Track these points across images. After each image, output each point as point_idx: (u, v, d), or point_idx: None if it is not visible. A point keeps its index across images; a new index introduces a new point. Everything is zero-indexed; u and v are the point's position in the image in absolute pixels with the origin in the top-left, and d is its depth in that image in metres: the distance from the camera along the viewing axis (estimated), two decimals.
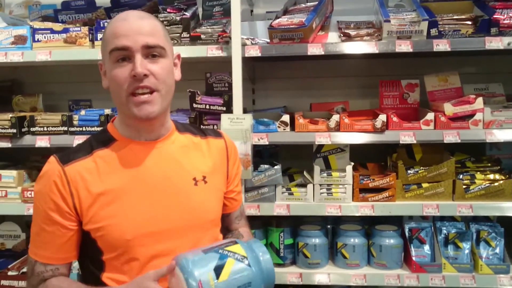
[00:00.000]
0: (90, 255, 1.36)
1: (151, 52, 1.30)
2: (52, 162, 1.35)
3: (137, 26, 1.29)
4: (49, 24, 2.29)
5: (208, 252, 1.26)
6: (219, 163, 1.52)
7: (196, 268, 1.20)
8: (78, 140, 2.18)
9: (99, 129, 2.20)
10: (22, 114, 2.34)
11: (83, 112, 2.27)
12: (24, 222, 2.67)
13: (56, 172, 1.32)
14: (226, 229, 1.63)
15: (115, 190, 1.33)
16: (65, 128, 2.24)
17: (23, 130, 2.25)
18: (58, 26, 2.25)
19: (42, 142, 2.21)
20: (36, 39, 2.22)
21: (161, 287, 1.22)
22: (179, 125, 1.52)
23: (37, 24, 2.27)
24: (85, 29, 2.21)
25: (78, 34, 2.21)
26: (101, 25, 2.21)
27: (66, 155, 1.36)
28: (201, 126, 2.18)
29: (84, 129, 2.22)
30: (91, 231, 1.32)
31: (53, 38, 2.22)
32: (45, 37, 2.22)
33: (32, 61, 2.21)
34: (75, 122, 2.23)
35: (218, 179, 1.50)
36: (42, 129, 2.24)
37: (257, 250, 1.30)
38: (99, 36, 2.21)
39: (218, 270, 1.21)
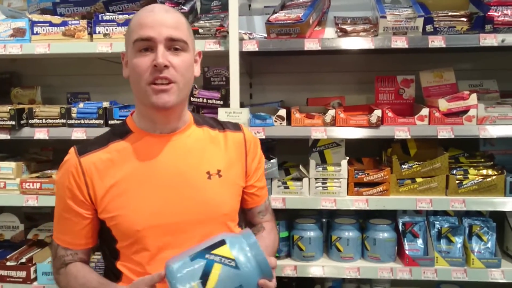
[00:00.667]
0: (107, 242, 1.42)
1: (174, 45, 1.33)
2: (71, 153, 1.41)
3: (163, 19, 1.32)
4: (47, 17, 2.29)
5: (195, 258, 1.22)
6: (237, 157, 1.51)
7: (182, 280, 1.17)
8: (76, 132, 2.20)
9: (97, 122, 2.22)
10: (21, 106, 2.35)
11: (81, 105, 2.29)
12: (23, 213, 2.69)
13: (73, 163, 1.38)
14: (249, 223, 1.64)
15: (127, 182, 1.36)
16: (64, 121, 2.25)
17: (22, 122, 2.26)
18: (56, 19, 2.25)
19: (40, 134, 2.23)
20: (35, 32, 2.23)
21: None
22: (198, 118, 1.53)
23: (36, 17, 2.28)
24: (83, 22, 2.22)
25: (77, 27, 2.22)
26: (100, 18, 2.22)
27: (84, 146, 1.41)
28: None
29: (82, 121, 2.23)
30: (105, 220, 1.37)
31: (52, 31, 2.23)
32: (43, 30, 2.23)
33: (31, 54, 2.22)
34: (74, 115, 2.24)
35: (234, 173, 1.49)
36: (40, 121, 2.26)
37: (245, 246, 1.24)
38: (98, 29, 2.22)
39: (204, 278, 1.17)
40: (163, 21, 1.32)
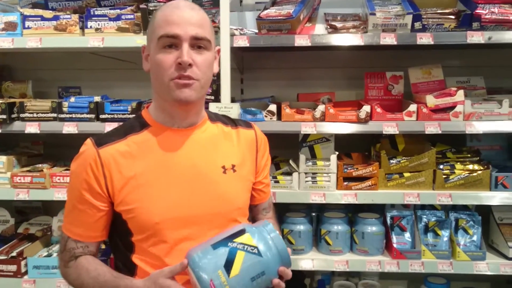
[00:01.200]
0: (121, 236, 1.42)
1: (198, 43, 1.35)
2: (88, 144, 1.40)
3: (189, 16, 1.34)
4: (39, 11, 2.29)
5: (218, 246, 1.25)
6: (248, 153, 1.55)
7: (205, 268, 1.20)
8: (67, 127, 2.21)
9: (89, 116, 2.23)
10: (12, 100, 2.35)
11: (72, 99, 2.29)
12: (13, 207, 2.69)
13: (91, 154, 1.37)
14: (253, 219, 1.66)
15: (146, 174, 1.38)
16: (55, 115, 2.26)
17: (13, 116, 2.26)
18: (48, 13, 2.26)
19: (32, 128, 2.23)
20: (26, 26, 2.23)
21: (176, 283, 1.26)
22: (212, 114, 1.56)
23: (28, 11, 2.28)
24: (75, 17, 2.23)
25: (69, 22, 2.22)
26: (92, 13, 2.23)
27: (101, 138, 1.42)
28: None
29: (73, 115, 2.24)
30: (122, 212, 1.38)
31: (44, 25, 2.23)
32: (35, 24, 2.23)
33: (22, 48, 2.22)
34: (65, 109, 2.25)
35: (247, 169, 1.53)
36: (32, 115, 2.26)
37: (266, 234, 1.29)
38: (89, 24, 2.22)
39: (228, 265, 1.21)
40: (190, 19, 1.34)
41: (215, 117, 1.56)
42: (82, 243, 1.42)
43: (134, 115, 1.55)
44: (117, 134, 1.44)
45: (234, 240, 1.27)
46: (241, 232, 1.29)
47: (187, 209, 1.39)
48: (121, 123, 1.52)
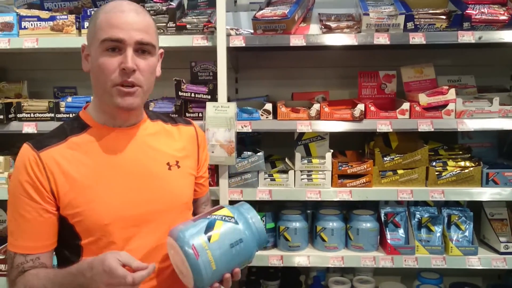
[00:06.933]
0: (67, 241, 1.37)
1: (142, 48, 1.34)
2: (25, 149, 1.36)
3: (134, 21, 1.32)
4: (35, 12, 2.30)
5: (197, 220, 1.35)
6: (190, 148, 1.58)
7: (188, 235, 1.28)
8: None
9: None
10: (8, 100, 2.36)
11: (69, 99, 2.30)
12: None
13: (31, 158, 1.33)
14: (193, 214, 1.66)
15: (91, 176, 1.35)
16: (52, 115, 2.27)
17: (10, 116, 2.27)
18: (44, 14, 2.26)
19: (29, 128, 2.24)
20: (23, 26, 2.23)
21: (121, 268, 1.18)
22: (151, 113, 1.57)
23: (24, 12, 2.28)
24: (72, 17, 2.24)
25: (65, 22, 2.23)
26: (88, 13, 2.24)
27: (39, 141, 1.37)
28: (186, 114, 2.25)
29: (70, 115, 2.25)
30: (68, 216, 1.34)
31: (40, 25, 2.23)
32: (32, 25, 2.23)
33: (19, 48, 2.23)
34: (62, 109, 2.26)
35: (189, 164, 1.55)
36: (29, 115, 2.27)
37: (243, 210, 1.40)
38: (86, 24, 2.23)
39: (208, 232, 1.30)
40: (134, 23, 1.32)
41: (154, 116, 1.56)
42: (32, 256, 1.34)
43: (72, 116, 1.52)
44: (56, 136, 1.39)
45: (212, 214, 1.37)
46: (219, 208, 1.41)
47: (136, 208, 1.39)
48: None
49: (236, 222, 1.34)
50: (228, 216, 1.36)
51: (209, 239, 1.29)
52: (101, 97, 1.39)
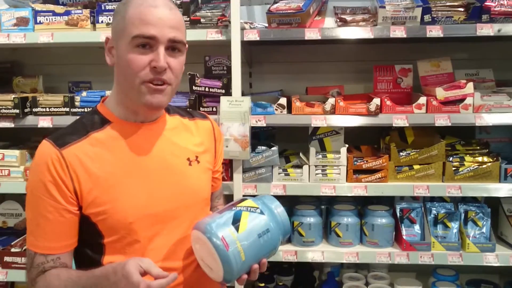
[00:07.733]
0: (89, 239, 1.34)
1: (174, 46, 1.30)
2: (47, 146, 1.30)
3: (167, 18, 1.28)
4: (50, 6, 2.31)
5: (223, 212, 1.33)
6: (208, 143, 1.55)
7: (215, 227, 1.26)
8: None
9: None
10: (24, 95, 2.37)
11: (84, 94, 2.31)
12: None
13: (54, 156, 1.27)
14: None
15: (115, 174, 1.32)
16: (67, 109, 2.28)
17: (26, 110, 2.29)
18: (59, 9, 2.28)
19: (44, 122, 2.26)
20: (38, 21, 2.24)
21: (141, 278, 1.16)
22: (168, 107, 1.52)
23: (39, 6, 2.30)
24: (86, 12, 2.24)
25: (80, 17, 2.24)
26: (102, 8, 2.24)
27: (60, 138, 1.32)
28: (201, 108, 2.24)
29: (85, 110, 2.25)
30: (91, 215, 1.31)
31: (55, 20, 2.24)
32: (47, 19, 2.24)
33: (34, 43, 2.24)
34: (77, 103, 2.27)
35: (208, 159, 1.53)
36: (44, 109, 2.29)
37: (267, 201, 1.38)
38: (100, 19, 2.24)
39: (236, 223, 1.28)
40: (168, 20, 1.27)
41: (171, 110, 1.52)
42: (53, 256, 1.30)
43: (88, 111, 1.49)
44: (76, 132, 1.33)
45: (237, 205, 1.36)
46: (242, 200, 1.39)
47: (160, 205, 1.36)
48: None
49: (261, 212, 1.33)
50: (253, 207, 1.34)
51: (237, 229, 1.27)
52: (126, 93, 1.34)
